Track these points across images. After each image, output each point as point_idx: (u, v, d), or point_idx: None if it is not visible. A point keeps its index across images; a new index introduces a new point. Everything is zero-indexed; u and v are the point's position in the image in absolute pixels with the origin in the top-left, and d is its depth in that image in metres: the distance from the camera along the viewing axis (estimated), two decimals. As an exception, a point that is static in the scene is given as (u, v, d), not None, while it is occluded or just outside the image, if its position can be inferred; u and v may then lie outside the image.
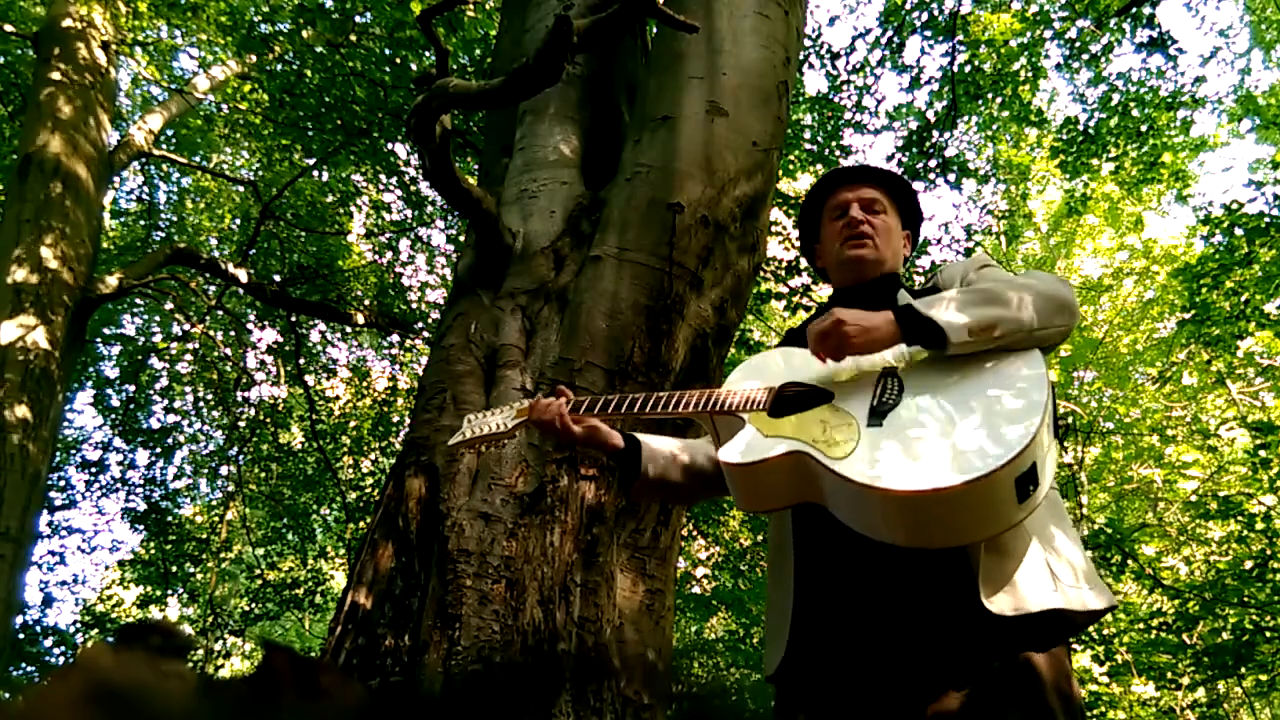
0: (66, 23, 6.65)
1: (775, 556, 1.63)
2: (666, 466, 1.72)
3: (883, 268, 1.75)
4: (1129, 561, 6.24)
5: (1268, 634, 5.57)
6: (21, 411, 5.30)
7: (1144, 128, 8.22)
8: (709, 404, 1.59)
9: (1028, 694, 1.32)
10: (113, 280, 6.29)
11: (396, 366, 10.30)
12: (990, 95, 8.42)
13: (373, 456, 9.66)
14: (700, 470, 1.75)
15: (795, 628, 1.50)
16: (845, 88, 8.32)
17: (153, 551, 9.53)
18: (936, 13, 7.99)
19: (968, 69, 8.07)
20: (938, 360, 1.47)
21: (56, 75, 6.39)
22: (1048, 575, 1.39)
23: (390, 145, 7.92)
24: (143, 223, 9.86)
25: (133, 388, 9.33)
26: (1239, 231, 6.71)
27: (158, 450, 9.62)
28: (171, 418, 9.88)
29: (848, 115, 8.42)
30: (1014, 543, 1.39)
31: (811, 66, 8.22)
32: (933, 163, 8.08)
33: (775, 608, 1.58)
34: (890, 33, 8.22)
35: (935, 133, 8.12)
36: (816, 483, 1.41)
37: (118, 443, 9.60)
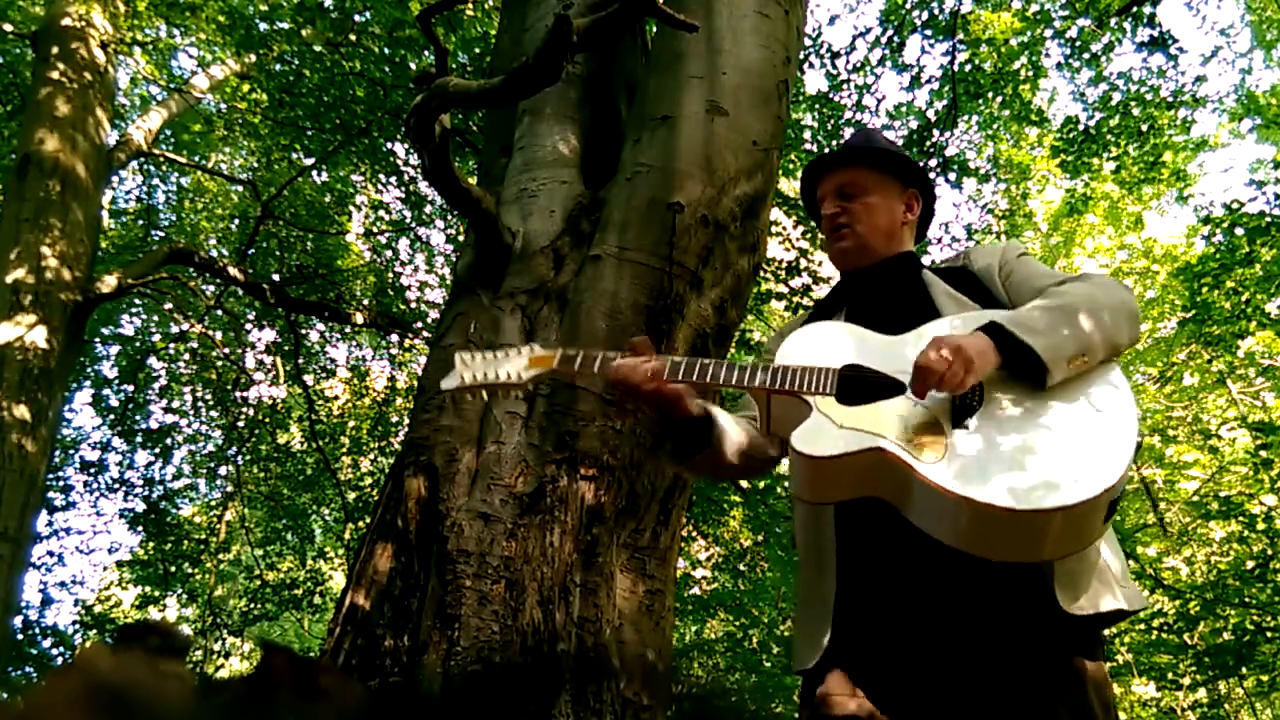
0: (65, 22, 6.64)
1: (810, 551, 1.58)
2: (728, 444, 1.63)
3: (871, 251, 1.74)
4: (1129, 562, 6.22)
5: (1268, 634, 5.57)
6: (20, 411, 5.29)
7: (1144, 127, 8.20)
8: (776, 381, 1.46)
9: (1074, 696, 1.33)
10: (111, 280, 6.27)
11: (396, 366, 10.28)
12: (990, 94, 8.41)
13: (372, 456, 9.64)
14: (749, 452, 1.67)
15: (839, 622, 1.46)
16: (845, 87, 8.30)
17: (151, 552, 9.51)
18: (937, 12, 7.99)
19: (968, 68, 8.06)
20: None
21: (55, 74, 6.37)
22: (1111, 576, 1.41)
23: (389, 145, 7.91)
24: (141, 222, 9.84)
25: (131, 388, 9.31)
26: (1239, 231, 6.71)
27: (156, 450, 9.60)
28: (170, 418, 9.87)
29: (848, 114, 8.41)
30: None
31: (811, 66, 8.21)
32: (933, 162, 8.07)
33: (814, 603, 1.54)
34: (890, 32, 8.22)
35: (935, 132, 8.12)
36: (897, 483, 1.33)
37: (116, 443, 9.60)
